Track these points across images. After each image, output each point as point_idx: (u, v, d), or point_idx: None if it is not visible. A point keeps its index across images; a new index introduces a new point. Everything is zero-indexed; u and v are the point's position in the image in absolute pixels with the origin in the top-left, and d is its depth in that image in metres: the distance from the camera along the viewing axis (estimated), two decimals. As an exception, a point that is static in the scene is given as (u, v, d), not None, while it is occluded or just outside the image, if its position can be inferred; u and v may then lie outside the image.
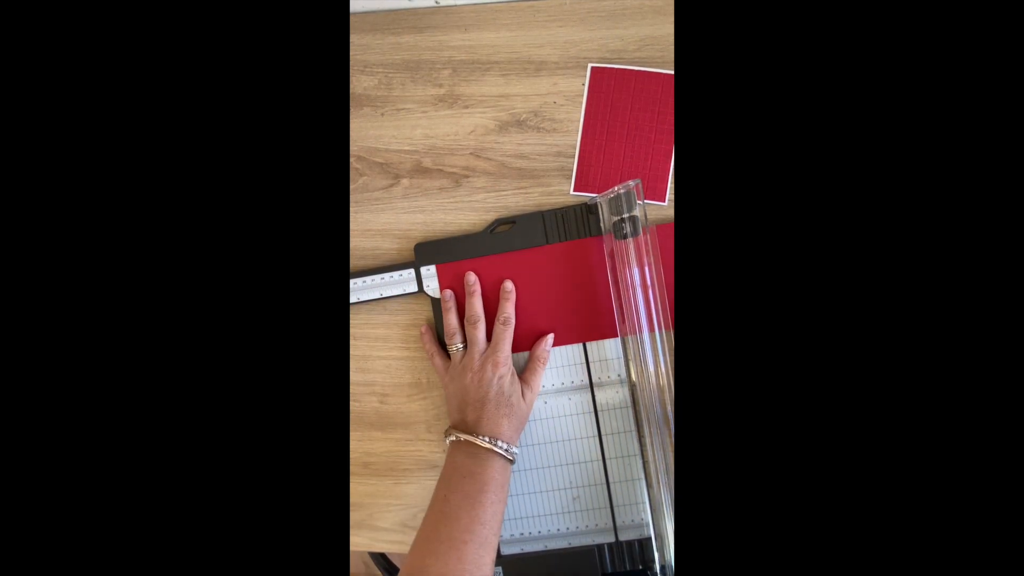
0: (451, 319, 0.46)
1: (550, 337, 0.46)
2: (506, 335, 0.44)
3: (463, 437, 0.41)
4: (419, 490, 0.48)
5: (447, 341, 0.46)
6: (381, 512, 0.49)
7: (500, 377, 0.42)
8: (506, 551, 0.46)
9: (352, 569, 1.07)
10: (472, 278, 0.46)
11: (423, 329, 0.47)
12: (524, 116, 0.47)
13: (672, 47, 0.45)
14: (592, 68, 0.46)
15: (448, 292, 0.46)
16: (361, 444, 0.49)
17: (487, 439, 0.40)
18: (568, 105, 0.46)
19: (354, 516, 0.49)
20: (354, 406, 0.48)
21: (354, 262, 0.48)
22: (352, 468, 0.49)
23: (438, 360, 0.46)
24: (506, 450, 0.41)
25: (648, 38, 0.46)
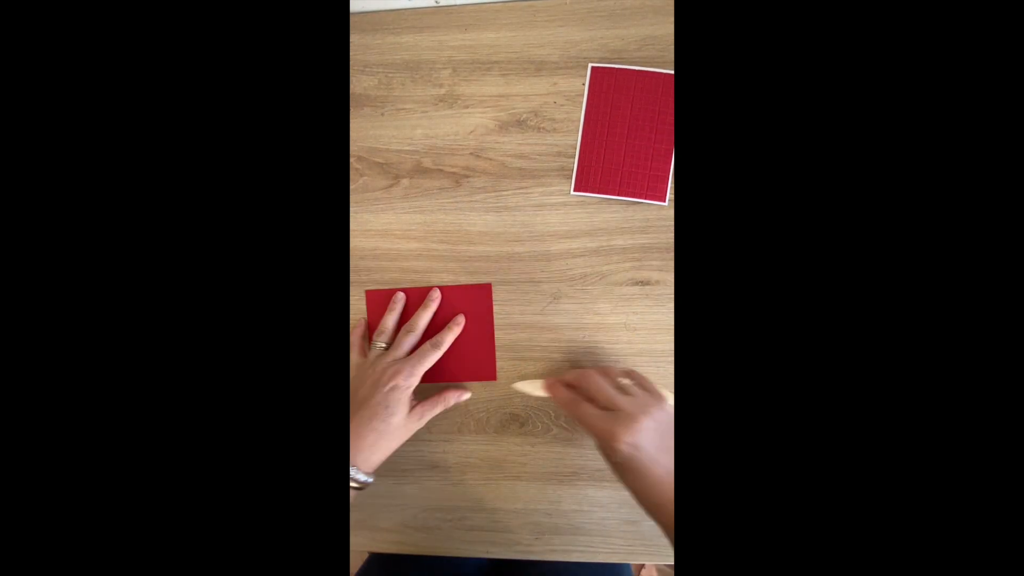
0: (389, 319, 0.45)
1: (466, 395, 0.46)
2: (429, 357, 0.43)
3: None
4: (419, 490, 0.48)
5: (374, 336, 0.45)
6: (381, 512, 0.49)
7: (394, 388, 0.40)
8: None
9: (352, 569, 1.07)
10: (436, 295, 0.45)
11: (357, 321, 0.46)
12: (524, 116, 0.47)
13: (672, 47, 0.45)
14: (592, 68, 0.46)
15: (401, 295, 0.46)
16: (361, 444, 0.48)
17: None
18: (568, 105, 0.46)
19: (354, 516, 0.49)
20: (354, 406, 0.48)
21: (354, 262, 0.48)
22: (352, 468, 0.49)
23: (355, 354, 0.45)
24: (353, 478, 0.38)
25: (648, 38, 0.46)
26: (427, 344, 0.43)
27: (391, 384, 0.40)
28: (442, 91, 0.47)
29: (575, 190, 0.46)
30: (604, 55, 0.46)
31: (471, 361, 0.47)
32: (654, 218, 0.46)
